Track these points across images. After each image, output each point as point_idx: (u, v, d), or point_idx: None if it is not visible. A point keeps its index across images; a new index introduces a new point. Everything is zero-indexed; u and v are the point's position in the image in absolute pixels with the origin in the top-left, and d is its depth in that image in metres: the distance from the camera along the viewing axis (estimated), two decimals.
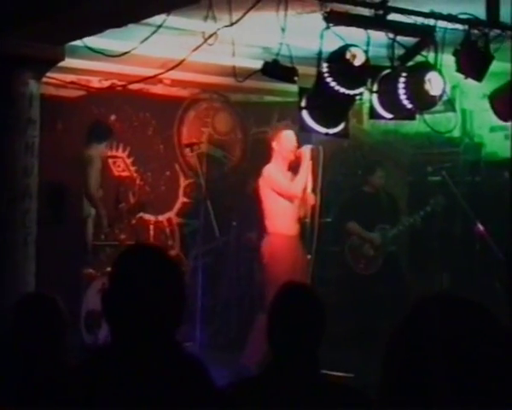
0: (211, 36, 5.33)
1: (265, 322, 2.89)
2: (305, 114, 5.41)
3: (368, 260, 8.15)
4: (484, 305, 1.46)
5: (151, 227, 8.59)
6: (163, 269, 2.16)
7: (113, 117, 8.88)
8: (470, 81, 5.63)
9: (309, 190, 6.91)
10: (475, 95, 8.11)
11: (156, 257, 2.21)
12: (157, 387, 2.04)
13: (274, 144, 7.02)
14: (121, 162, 8.92)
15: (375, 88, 5.42)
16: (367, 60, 5.11)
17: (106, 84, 8.55)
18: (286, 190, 6.89)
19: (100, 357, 2.11)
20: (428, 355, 1.40)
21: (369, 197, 8.29)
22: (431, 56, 5.35)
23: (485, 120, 8.08)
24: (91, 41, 5.97)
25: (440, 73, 5.32)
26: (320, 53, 5.09)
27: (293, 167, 6.98)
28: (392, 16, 5.24)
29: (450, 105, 6.93)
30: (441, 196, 7.80)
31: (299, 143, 6.98)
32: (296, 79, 5.21)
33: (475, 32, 5.37)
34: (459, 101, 8.23)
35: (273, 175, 6.92)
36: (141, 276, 2.12)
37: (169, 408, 2.05)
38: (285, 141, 6.96)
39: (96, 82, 8.61)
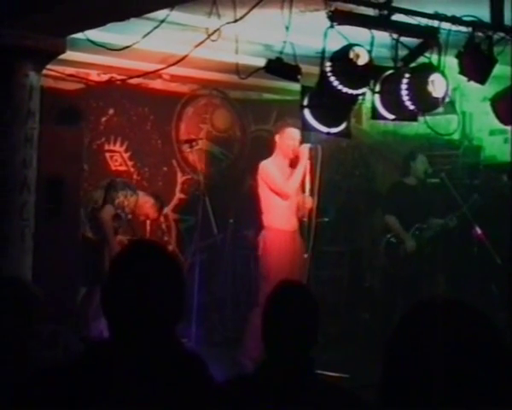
0: (214, 32, 5.31)
1: (260, 319, 2.88)
2: (306, 112, 5.39)
3: (402, 261, 7.64)
4: (480, 309, 1.46)
5: (147, 222, 8.56)
6: (163, 265, 2.15)
7: (111, 111, 8.84)
8: (471, 83, 5.60)
9: (307, 192, 6.87)
10: (475, 97, 8.10)
11: (156, 253, 2.19)
12: (157, 384, 2.03)
13: (277, 137, 6.99)
14: (118, 157, 8.88)
15: (377, 88, 5.41)
16: (370, 60, 5.09)
17: (105, 77, 8.52)
18: (279, 188, 6.84)
19: (98, 353, 2.09)
20: (427, 359, 1.40)
21: (410, 191, 7.77)
22: (434, 58, 5.33)
23: (484, 123, 8.07)
24: (93, 34, 5.95)
25: (444, 74, 5.30)
26: (323, 52, 5.07)
27: (295, 164, 6.94)
28: (397, 17, 5.23)
29: (451, 107, 6.90)
30: (477, 195, 7.40)
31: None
32: (299, 77, 5.19)
33: (479, 34, 5.36)
34: (459, 103, 8.19)
35: (268, 170, 6.87)
36: (140, 272, 2.11)
37: (170, 406, 2.04)
38: (287, 137, 6.93)
39: (94, 75, 8.57)
